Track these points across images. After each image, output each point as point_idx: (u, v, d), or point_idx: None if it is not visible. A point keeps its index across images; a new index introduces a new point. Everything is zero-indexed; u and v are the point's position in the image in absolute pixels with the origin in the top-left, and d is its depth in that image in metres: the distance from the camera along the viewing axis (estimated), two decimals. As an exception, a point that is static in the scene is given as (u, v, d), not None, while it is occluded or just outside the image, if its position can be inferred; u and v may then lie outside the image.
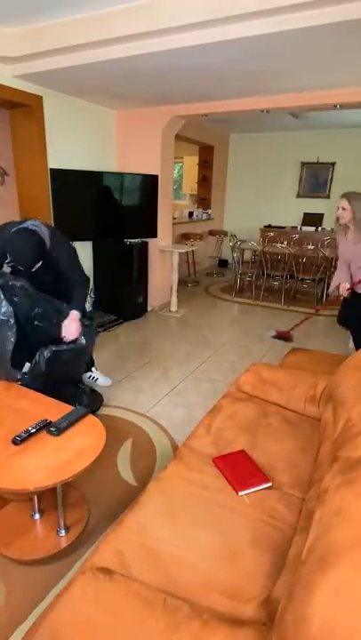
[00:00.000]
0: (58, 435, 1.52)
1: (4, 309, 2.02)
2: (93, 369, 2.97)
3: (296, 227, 6.53)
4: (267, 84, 3.29)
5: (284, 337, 4.06)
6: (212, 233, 6.88)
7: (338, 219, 2.75)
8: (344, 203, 2.68)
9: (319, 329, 4.46)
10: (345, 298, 2.89)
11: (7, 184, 5.30)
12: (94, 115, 4.25)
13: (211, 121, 5.43)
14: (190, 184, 7.82)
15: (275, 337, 4.09)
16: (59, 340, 2.22)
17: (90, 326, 2.42)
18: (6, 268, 2.11)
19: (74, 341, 2.26)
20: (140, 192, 4.57)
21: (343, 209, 2.68)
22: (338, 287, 2.88)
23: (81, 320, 2.31)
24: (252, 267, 5.75)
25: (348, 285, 2.80)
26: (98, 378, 2.94)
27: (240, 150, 7.04)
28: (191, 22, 2.24)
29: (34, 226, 2.10)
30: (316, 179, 6.56)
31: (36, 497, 1.74)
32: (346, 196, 2.68)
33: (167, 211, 4.76)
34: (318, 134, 6.31)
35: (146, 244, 4.62)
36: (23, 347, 2.10)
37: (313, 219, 6.44)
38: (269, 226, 6.75)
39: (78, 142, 4.12)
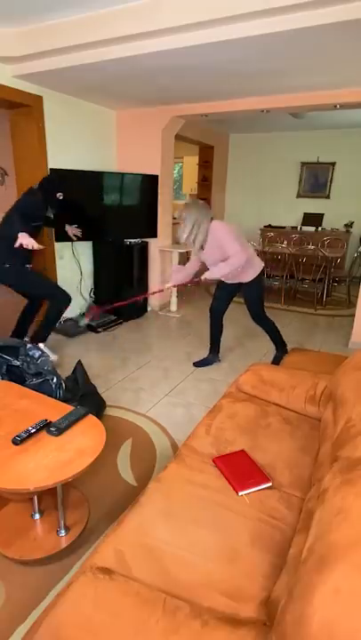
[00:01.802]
0: (58, 435, 1.52)
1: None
2: (42, 344, 3.27)
3: (296, 227, 6.53)
4: (267, 84, 3.29)
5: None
6: (212, 233, 6.87)
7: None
8: (182, 214, 2.85)
9: (319, 329, 4.45)
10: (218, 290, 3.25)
11: (7, 184, 5.30)
12: (94, 115, 4.25)
13: (211, 121, 5.43)
14: (190, 184, 7.82)
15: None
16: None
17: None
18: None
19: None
20: (140, 192, 4.57)
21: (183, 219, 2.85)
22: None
23: None
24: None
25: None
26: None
27: (240, 150, 7.04)
28: (191, 22, 2.24)
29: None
30: (316, 179, 6.56)
31: (35, 497, 1.74)
32: (183, 207, 2.86)
33: (167, 211, 4.76)
34: (318, 134, 6.30)
35: (146, 243, 4.62)
36: None
37: (313, 219, 6.44)
38: (269, 226, 6.74)
39: (78, 142, 4.12)
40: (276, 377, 2.10)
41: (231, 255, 2.78)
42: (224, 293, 3.25)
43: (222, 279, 3.08)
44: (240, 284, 3.10)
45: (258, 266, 3.05)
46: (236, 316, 4.92)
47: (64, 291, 3.32)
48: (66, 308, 3.34)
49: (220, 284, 3.23)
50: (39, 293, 3.36)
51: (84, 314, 4.17)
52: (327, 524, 0.94)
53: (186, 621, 0.93)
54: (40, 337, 3.31)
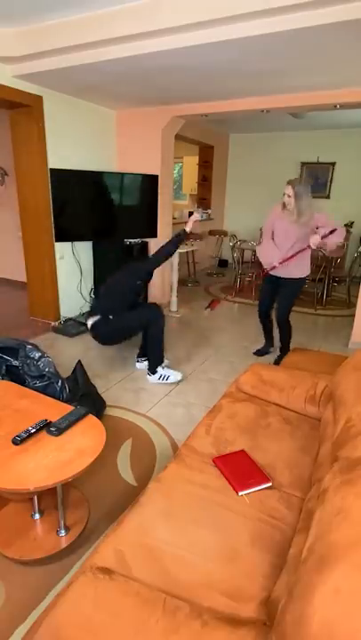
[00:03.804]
0: (58, 435, 1.52)
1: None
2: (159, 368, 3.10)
3: (296, 227, 6.52)
4: (267, 84, 3.29)
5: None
6: (212, 233, 6.88)
7: (284, 204, 3.00)
8: (289, 190, 2.91)
9: (319, 329, 4.46)
10: (264, 287, 3.35)
11: (7, 184, 5.30)
12: (94, 115, 4.25)
13: (211, 121, 5.43)
14: (190, 184, 7.82)
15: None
16: None
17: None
18: None
19: None
20: (140, 192, 4.57)
21: (289, 196, 2.92)
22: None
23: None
24: (252, 267, 5.75)
25: (280, 260, 3.12)
26: (169, 376, 3.09)
27: (240, 150, 7.04)
28: (191, 22, 2.24)
29: None
30: (316, 179, 6.56)
31: (35, 497, 1.74)
32: (290, 182, 2.93)
33: (167, 211, 4.76)
34: (318, 134, 6.30)
35: (146, 243, 4.62)
36: None
37: (313, 219, 6.43)
38: (269, 226, 6.74)
39: (78, 142, 4.12)
40: (276, 377, 2.10)
41: (338, 227, 2.92)
42: (265, 294, 3.39)
43: (274, 272, 3.18)
44: (278, 281, 3.22)
45: (308, 269, 3.18)
46: (237, 316, 4.93)
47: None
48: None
49: (261, 287, 3.38)
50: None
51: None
52: (327, 524, 0.94)
53: (186, 621, 0.93)
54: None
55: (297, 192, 2.88)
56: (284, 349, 3.41)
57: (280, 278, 3.20)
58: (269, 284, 3.31)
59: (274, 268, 3.15)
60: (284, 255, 3.09)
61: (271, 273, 3.20)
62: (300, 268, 3.13)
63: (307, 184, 2.98)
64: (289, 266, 3.11)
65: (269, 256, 3.18)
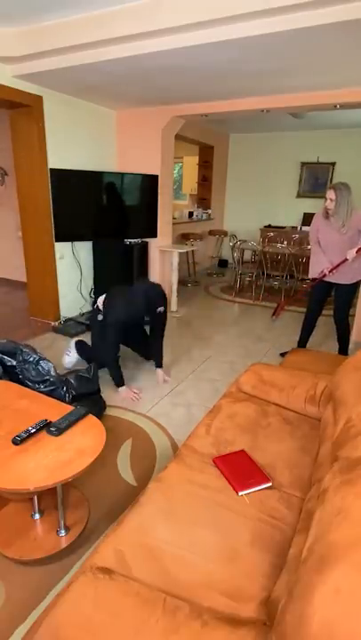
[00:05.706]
0: (58, 435, 1.52)
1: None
2: None
3: (296, 227, 6.53)
4: (267, 84, 3.29)
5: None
6: (212, 233, 6.88)
7: (327, 209, 2.95)
8: (332, 194, 2.87)
9: (319, 329, 4.45)
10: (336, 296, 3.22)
11: (7, 184, 5.30)
12: (94, 115, 4.26)
13: (211, 121, 5.43)
14: (190, 184, 7.82)
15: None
16: None
17: None
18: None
19: None
20: (140, 192, 4.58)
21: (331, 200, 2.88)
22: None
23: None
24: (252, 267, 5.75)
25: (329, 267, 3.06)
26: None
27: (240, 150, 7.04)
28: (191, 22, 2.24)
29: None
30: (316, 179, 6.56)
31: (35, 497, 1.74)
32: (333, 187, 2.88)
33: (167, 211, 4.76)
34: (318, 134, 6.30)
35: (146, 243, 4.63)
36: None
37: (313, 219, 6.44)
38: (269, 226, 6.74)
39: (78, 142, 4.12)
40: (276, 377, 2.10)
41: None
42: (316, 300, 3.34)
43: (326, 279, 3.12)
44: (331, 287, 3.18)
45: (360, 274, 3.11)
46: (237, 316, 4.93)
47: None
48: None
49: (312, 290, 3.32)
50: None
51: (273, 313, 4.59)
52: (327, 524, 0.94)
53: (186, 621, 0.93)
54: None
55: (339, 196, 2.85)
56: (344, 350, 3.41)
57: (333, 284, 3.17)
58: (321, 291, 3.27)
59: (324, 275, 3.10)
60: (333, 262, 3.04)
61: (324, 279, 3.15)
62: (350, 275, 3.07)
63: (348, 187, 2.90)
64: (339, 272, 3.06)
65: (317, 265, 3.14)
